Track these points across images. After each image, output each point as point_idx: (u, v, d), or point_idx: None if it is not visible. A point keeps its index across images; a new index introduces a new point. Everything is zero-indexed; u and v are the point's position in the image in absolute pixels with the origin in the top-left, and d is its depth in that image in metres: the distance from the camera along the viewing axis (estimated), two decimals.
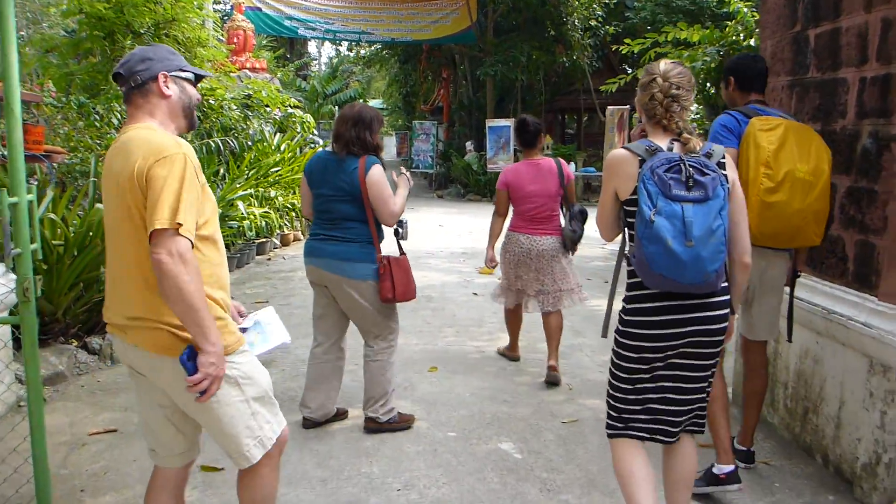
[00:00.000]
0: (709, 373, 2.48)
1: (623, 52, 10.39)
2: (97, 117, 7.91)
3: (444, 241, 10.87)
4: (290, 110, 12.25)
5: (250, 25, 14.78)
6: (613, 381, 2.52)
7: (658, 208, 2.23)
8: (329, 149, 3.79)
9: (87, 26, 8.90)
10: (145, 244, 1.97)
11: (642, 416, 2.50)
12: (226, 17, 16.59)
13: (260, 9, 17.51)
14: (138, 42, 9.16)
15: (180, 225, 1.93)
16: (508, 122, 17.66)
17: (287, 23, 17.77)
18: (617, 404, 2.53)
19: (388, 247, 3.81)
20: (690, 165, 2.27)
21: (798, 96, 3.72)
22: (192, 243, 1.97)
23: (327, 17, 18.25)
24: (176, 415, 2.23)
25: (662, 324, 2.37)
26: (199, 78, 2.26)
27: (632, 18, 17.01)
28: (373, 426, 3.80)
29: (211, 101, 10.20)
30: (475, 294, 7.35)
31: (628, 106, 11.94)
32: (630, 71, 10.39)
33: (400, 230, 3.86)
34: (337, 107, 20.11)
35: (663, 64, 2.49)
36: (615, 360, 2.50)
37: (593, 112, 21.06)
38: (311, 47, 38.13)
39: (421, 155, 21.03)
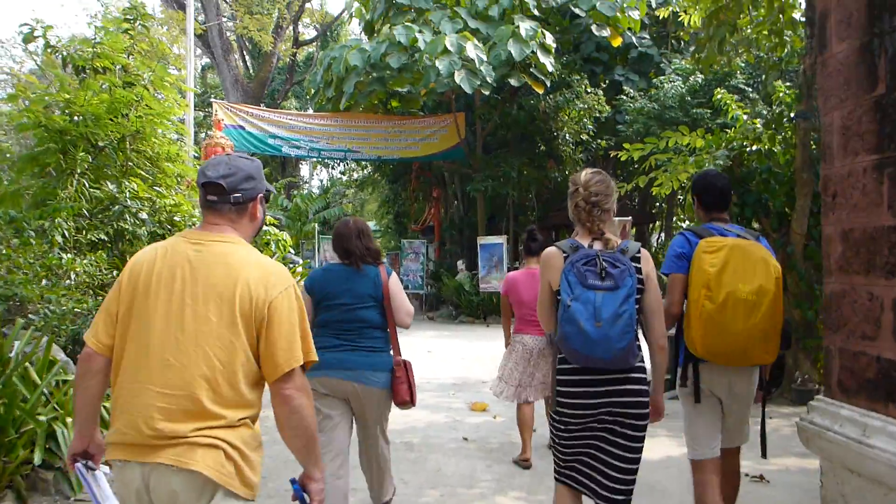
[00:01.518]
0: (635, 446, 2.78)
1: (622, 158, 9.65)
2: (31, 234, 6.96)
3: (432, 370, 9.68)
4: (265, 228, 11.38)
5: (229, 143, 14.15)
6: (553, 435, 2.93)
7: (575, 295, 2.66)
8: (336, 261, 3.96)
9: (46, 140, 8.16)
10: (238, 365, 1.98)
11: (577, 468, 2.87)
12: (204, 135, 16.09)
13: (243, 127, 17.08)
14: (100, 157, 8.42)
15: (302, 357, 2.03)
16: (501, 240, 16.87)
17: (271, 141, 17.29)
18: (557, 454, 2.93)
19: None
20: (604, 260, 2.70)
21: (892, 179, 2.72)
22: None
23: (312, 135, 17.83)
24: None
25: (581, 394, 2.76)
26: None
27: (623, 131, 16.59)
28: None
29: (176, 219, 9.31)
30: (466, 439, 6.13)
31: (629, 218, 11.14)
32: (626, 182, 9.62)
33: None
34: (318, 225, 19.39)
35: (584, 175, 2.93)
36: (555, 418, 2.89)
37: None
38: (305, 170, 38.32)
39: (410, 275, 20.08)
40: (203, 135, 16.07)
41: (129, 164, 8.75)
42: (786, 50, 9.02)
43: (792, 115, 8.14)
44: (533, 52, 15.03)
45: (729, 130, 8.83)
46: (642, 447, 2.81)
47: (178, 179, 9.84)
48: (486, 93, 15.53)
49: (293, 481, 2.09)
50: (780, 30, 8.89)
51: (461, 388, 8.40)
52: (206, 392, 1.94)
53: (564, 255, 2.82)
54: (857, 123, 2.92)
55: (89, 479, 2.16)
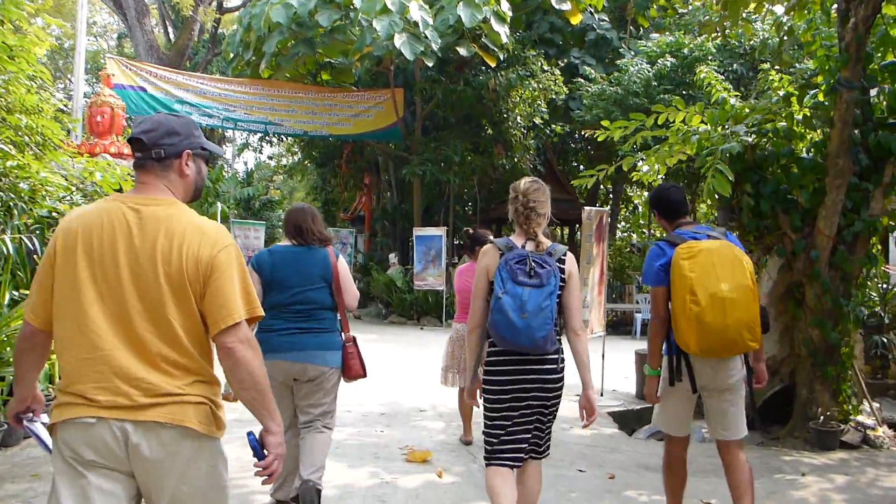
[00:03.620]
0: (548, 412, 3.27)
1: (599, 138, 7.82)
2: None
3: (354, 390, 7.43)
4: None
5: (120, 103, 11.74)
6: (486, 417, 3.28)
7: (506, 289, 3.07)
8: (284, 243, 4.01)
9: None
10: (191, 325, 2.05)
11: (503, 446, 3.21)
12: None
13: (145, 89, 14.58)
14: None
15: (246, 311, 2.05)
16: (440, 232, 14.92)
17: (178, 107, 14.82)
18: (490, 437, 3.25)
19: None
20: (533, 260, 3.12)
21: None
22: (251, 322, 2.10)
23: (227, 103, 15.45)
24: None
25: (506, 372, 3.20)
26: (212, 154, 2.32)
27: (580, 117, 14.87)
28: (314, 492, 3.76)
29: (22, 186, 7.02)
30: None
31: (608, 209, 9.39)
32: (586, 174, 7.78)
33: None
34: (232, 208, 17.00)
35: (523, 184, 3.35)
36: (485, 396, 3.27)
37: None
38: (230, 152, 35.66)
39: None
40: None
41: None
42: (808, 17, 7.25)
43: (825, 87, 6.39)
44: (486, 18, 13.11)
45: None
46: (557, 411, 3.33)
47: (42, 139, 7.58)
48: (430, 63, 13.54)
49: (250, 434, 2.10)
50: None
51: (392, 421, 6.41)
52: (170, 353, 2.02)
53: (500, 252, 3.22)
54: None
55: (36, 429, 2.37)
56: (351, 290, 3.94)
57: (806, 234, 6.38)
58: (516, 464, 3.22)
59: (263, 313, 2.12)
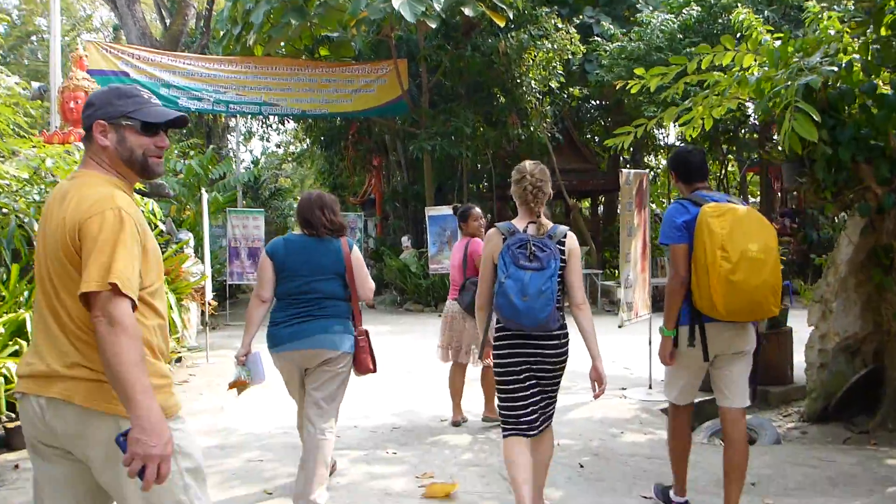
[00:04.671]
0: (554, 386, 3.45)
1: (632, 90, 6.66)
2: None
3: (362, 396, 6.31)
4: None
5: (96, 87, 10.68)
6: (499, 392, 3.46)
7: (509, 273, 3.22)
8: (297, 232, 3.97)
9: None
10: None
11: (521, 417, 3.37)
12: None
13: (128, 73, 13.52)
14: None
15: (114, 285, 1.88)
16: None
17: (164, 91, 13.75)
18: (504, 412, 3.43)
19: None
20: (534, 245, 3.25)
21: None
22: (134, 304, 1.93)
23: (218, 84, 14.34)
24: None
25: (513, 346, 3.37)
26: (165, 124, 2.16)
27: (601, 78, 13.62)
28: None
29: None
30: None
31: (647, 171, 8.23)
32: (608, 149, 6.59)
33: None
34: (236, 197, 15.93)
35: (528, 165, 3.49)
36: (496, 373, 3.46)
37: (556, 196, 17.45)
38: (234, 141, 34.77)
39: None
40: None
41: None
42: None
43: None
44: None
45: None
46: (561, 380, 3.47)
47: None
48: (433, 25, 12.34)
49: (119, 436, 1.90)
50: None
51: (407, 437, 5.33)
52: (72, 327, 1.99)
53: (503, 236, 3.35)
54: None
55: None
56: (366, 283, 3.89)
57: (895, 188, 5.24)
58: (532, 433, 3.38)
59: (127, 291, 1.90)
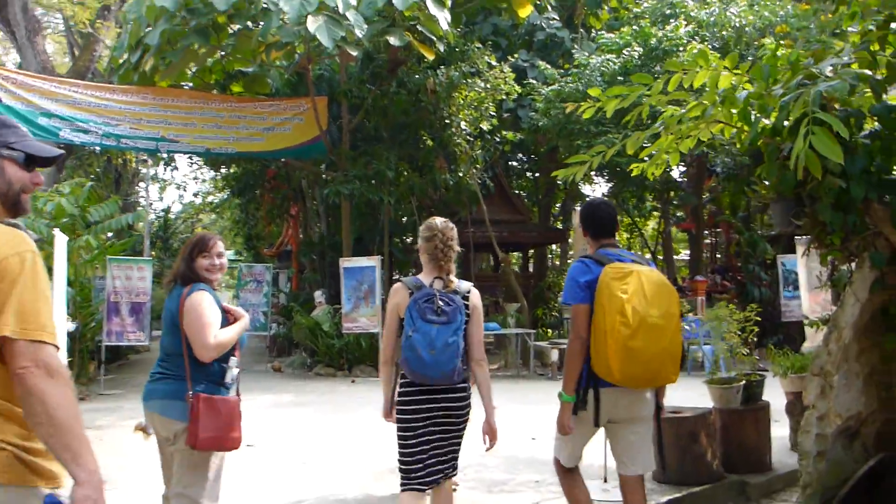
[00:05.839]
0: (458, 439, 3.49)
1: (585, 115, 5.48)
2: None
3: (256, 492, 4.81)
4: None
5: None
6: (399, 447, 3.43)
7: (416, 327, 3.28)
8: None
9: None
10: None
11: (420, 472, 3.38)
12: None
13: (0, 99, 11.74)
14: None
15: (42, 331, 1.75)
16: (373, 262, 12.40)
17: (43, 120, 11.97)
18: (405, 465, 3.41)
19: None
20: (440, 299, 3.34)
21: None
22: (56, 349, 1.78)
23: (109, 115, 12.62)
24: None
25: (419, 401, 3.39)
26: (49, 160, 2.01)
27: (536, 121, 12.66)
28: None
29: None
30: None
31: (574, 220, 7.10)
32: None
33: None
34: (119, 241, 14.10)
35: (439, 222, 3.58)
36: (399, 427, 3.44)
37: (484, 248, 16.26)
38: (155, 190, 32.76)
39: (251, 311, 14.76)
40: None
41: None
42: None
43: None
44: (422, 2, 10.81)
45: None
46: (464, 432, 3.51)
47: None
48: (354, 53, 11.12)
49: (48, 496, 1.77)
50: None
51: None
52: None
53: (409, 291, 3.41)
54: None
55: None
56: (197, 337, 3.22)
57: None
58: (430, 487, 3.42)
59: (55, 340, 1.77)
